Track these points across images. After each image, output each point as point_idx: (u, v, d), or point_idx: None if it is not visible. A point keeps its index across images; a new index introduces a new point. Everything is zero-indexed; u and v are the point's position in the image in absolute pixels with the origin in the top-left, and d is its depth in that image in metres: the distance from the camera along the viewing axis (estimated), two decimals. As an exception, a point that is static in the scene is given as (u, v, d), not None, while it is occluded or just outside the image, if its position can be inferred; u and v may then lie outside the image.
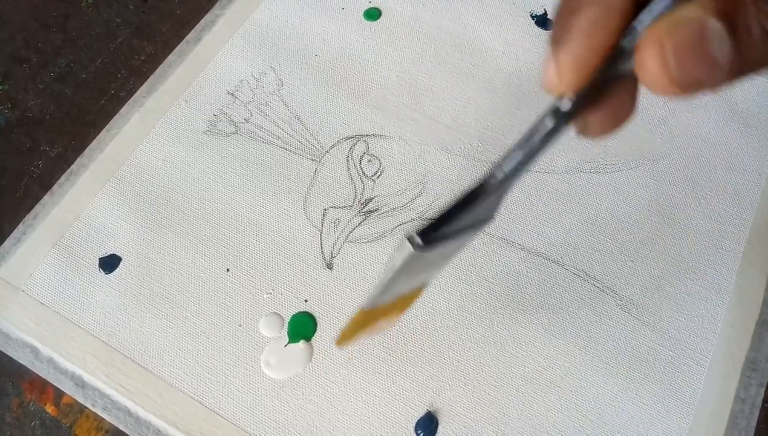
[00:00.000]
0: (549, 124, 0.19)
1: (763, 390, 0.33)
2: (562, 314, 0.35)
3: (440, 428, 0.32)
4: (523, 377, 0.33)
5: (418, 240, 0.22)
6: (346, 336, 0.28)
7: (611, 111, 0.20)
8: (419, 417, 0.32)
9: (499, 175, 0.21)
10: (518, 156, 0.20)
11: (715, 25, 0.16)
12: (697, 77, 0.17)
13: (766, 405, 0.33)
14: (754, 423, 0.32)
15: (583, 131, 0.21)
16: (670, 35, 0.16)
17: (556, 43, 0.19)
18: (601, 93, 0.19)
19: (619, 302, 0.35)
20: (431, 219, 0.22)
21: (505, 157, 0.20)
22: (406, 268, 0.24)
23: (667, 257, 0.36)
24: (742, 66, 0.17)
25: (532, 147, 0.20)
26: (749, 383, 0.33)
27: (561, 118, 0.19)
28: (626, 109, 0.20)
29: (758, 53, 0.16)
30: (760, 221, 0.37)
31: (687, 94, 0.17)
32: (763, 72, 0.17)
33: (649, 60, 0.17)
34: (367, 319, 0.28)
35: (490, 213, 0.25)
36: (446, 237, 0.23)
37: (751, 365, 0.33)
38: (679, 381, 0.33)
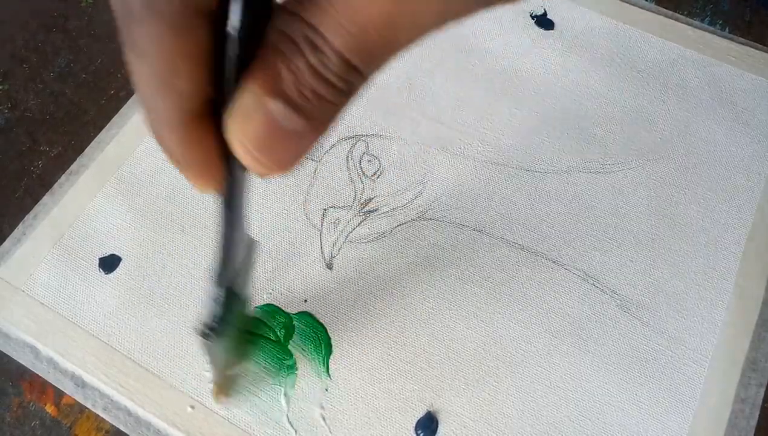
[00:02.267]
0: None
1: (763, 390, 0.33)
2: (562, 314, 0.35)
3: (440, 428, 0.32)
4: (522, 377, 0.33)
5: (210, 334, 0.26)
6: (221, 395, 0.33)
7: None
8: (419, 417, 0.32)
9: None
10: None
11: (276, 107, 0.15)
12: (290, 154, 0.16)
13: (766, 405, 0.33)
14: (754, 423, 0.32)
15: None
16: (245, 133, 0.16)
17: (172, 161, 0.18)
18: None
19: (619, 302, 0.35)
20: (214, 314, 0.26)
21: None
22: (216, 345, 0.27)
23: (667, 257, 0.36)
24: (326, 120, 0.16)
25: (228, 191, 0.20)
26: (749, 383, 0.33)
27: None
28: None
29: (325, 111, 0.16)
30: (760, 221, 0.37)
31: (293, 165, 0.17)
32: (347, 102, 0.16)
33: (242, 159, 0.16)
34: (224, 384, 0.32)
35: (250, 245, 0.27)
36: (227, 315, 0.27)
37: (751, 365, 0.33)
38: (679, 381, 0.33)
